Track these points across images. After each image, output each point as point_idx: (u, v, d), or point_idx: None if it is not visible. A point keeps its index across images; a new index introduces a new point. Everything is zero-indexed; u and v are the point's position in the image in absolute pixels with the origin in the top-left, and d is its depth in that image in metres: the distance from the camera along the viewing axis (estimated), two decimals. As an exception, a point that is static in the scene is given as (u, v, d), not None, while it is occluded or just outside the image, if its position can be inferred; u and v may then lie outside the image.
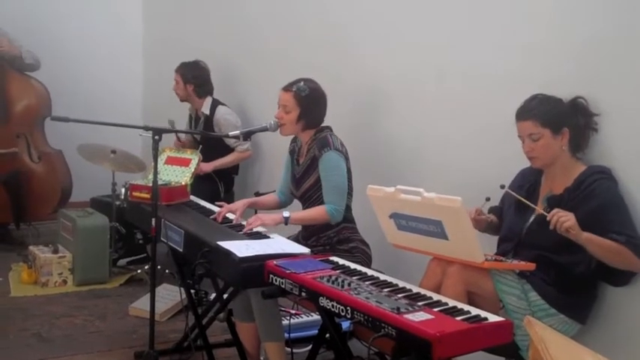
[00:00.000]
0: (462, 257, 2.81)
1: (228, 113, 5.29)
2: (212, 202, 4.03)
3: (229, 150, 5.25)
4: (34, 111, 5.95)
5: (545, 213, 2.83)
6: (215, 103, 5.34)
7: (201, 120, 5.35)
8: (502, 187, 3.10)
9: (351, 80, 4.46)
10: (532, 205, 2.97)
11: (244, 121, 5.30)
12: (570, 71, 3.15)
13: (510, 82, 3.43)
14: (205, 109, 5.32)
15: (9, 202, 5.85)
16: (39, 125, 6.04)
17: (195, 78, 5.32)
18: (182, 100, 5.44)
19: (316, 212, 3.59)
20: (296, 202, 3.89)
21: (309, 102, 3.62)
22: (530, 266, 2.89)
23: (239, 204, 3.73)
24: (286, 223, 3.57)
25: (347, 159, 3.64)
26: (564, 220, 2.72)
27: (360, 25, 4.43)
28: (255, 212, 4.14)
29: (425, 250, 2.94)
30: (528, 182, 3.14)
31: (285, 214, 3.53)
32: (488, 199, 3.15)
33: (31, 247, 5.23)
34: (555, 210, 2.78)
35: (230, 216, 3.64)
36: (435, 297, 2.55)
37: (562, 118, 2.95)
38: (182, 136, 5.39)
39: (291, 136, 3.84)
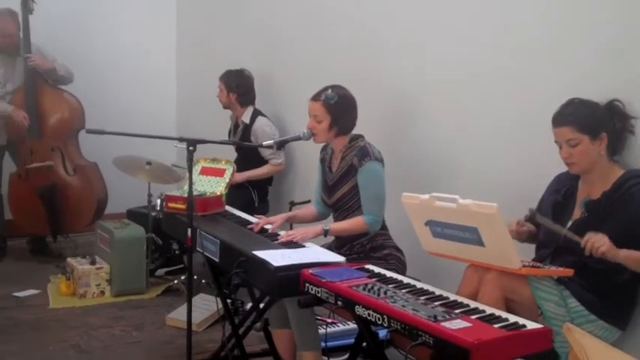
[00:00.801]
0: (499, 264, 2.79)
1: (266, 125, 5.30)
2: (246, 211, 4.05)
3: (264, 162, 5.27)
4: (67, 124, 6.00)
5: (579, 240, 2.79)
6: (256, 113, 5.37)
7: (240, 128, 5.38)
8: (531, 213, 3.07)
9: (381, 86, 4.44)
10: (563, 230, 2.92)
11: (279, 131, 5.31)
12: (604, 73, 3.12)
13: (545, 85, 3.40)
14: (245, 118, 5.34)
15: (45, 214, 5.90)
16: (73, 138, 6.11)
17: (238, 87, 5.35)
18: (225, 107, 5.47)
19: (355, 223, 3.60)
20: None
21: (338, 109, 3.62)
22: (569, 272, 2.86)
23: (277, 217, 3.74)
24: (326, 236, 3.59)
25: (383, 167, 3.64)
26: (599, 245, 2.70)
27: (389, 29, 4.41)
28: (291, 226, 4.14)
29: (461, 257, 2.93)
30: (565, 187, 3.11)
31: (325, 226, 3.55)
32: (531, 211, 3.10)
33: (68, 259, 5.28)
34: (588, 235, 2.75)
35: (267, 227, 3.66)
36: (473, 304, 2.53)
37: (599, 123, 2.92)
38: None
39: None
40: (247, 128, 5.30)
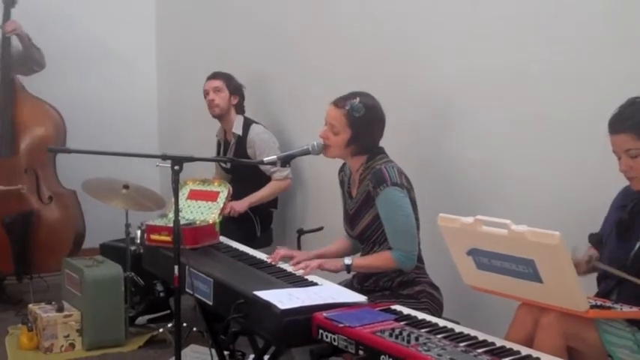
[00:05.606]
0: (560, 304, 2.76)
1: (263, 132, 5.31)
2: (246, 242, 4.03)
3: (265, 178, 5.23)
4: (48, 142, 5.95)
5: None
6: (248, 122, 5.37)
7: (232, 143, 5.37)
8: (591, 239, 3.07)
9: (410, 89, 4.44)
10: (630, 278, 2.89)
11: (280, 144, 5.28)
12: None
13: (613, 83, 3.37)
14: (237, 129, 5.34)
15: (10, 250, 5.86)
16: (51, 160, 6.11)
17: (239, 90, 5.40)
18: (217, 115, 5.41)
19: (382, 260, 3.61)
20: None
21: (363, 124, 3.61)
22: (648, 313, 2.82)
23: (302, 254, 3.76)
24: (349, 272, 3.61)
25: (410, 189, 3.62)
26: None
27: (418, 21, 4.41)
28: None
29: (511, 294, 2.91)
30: (632, 201, 3.08)
31: (347, 260, 3.58)
32: (590, 238, 3.10)
33: (30, 306, 5.25)
34: None
35: (284, 266, 3.64)
36: (525, 351, 2.53)
37: None
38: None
39: (337, 161, 3.85)
40: (241, 141, 5.29)
